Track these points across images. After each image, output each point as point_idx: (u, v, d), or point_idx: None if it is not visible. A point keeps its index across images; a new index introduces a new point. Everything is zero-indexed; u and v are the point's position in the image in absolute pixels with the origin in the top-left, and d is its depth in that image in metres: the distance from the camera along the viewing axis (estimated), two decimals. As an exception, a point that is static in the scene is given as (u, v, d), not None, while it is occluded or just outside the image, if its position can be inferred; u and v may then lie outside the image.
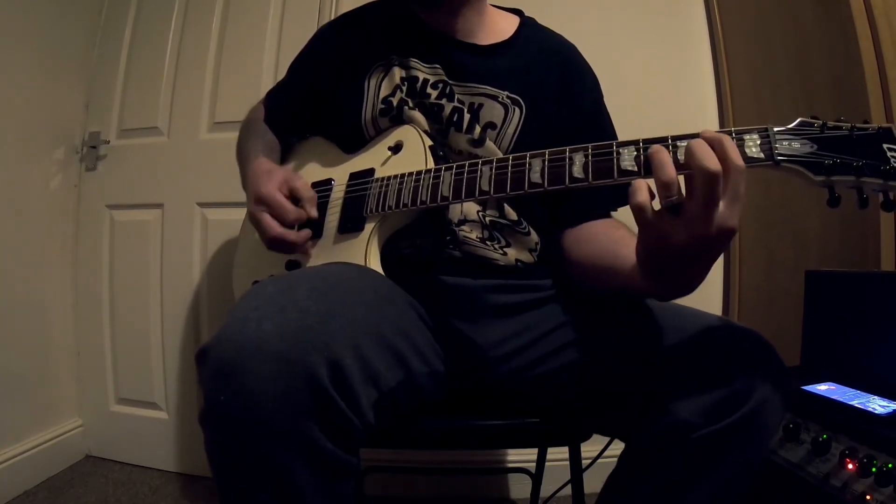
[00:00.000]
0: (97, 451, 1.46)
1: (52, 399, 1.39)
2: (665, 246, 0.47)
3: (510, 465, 1.29)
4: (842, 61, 1.00)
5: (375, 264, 0.67)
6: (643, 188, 0.46)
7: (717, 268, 1.38)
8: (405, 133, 0.73)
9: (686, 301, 0.63)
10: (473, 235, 0.73)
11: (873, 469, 0.62)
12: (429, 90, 0.75)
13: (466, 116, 0.74)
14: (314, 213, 0.71)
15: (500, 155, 0.73)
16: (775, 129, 0.48)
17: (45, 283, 1.39)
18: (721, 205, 0.44)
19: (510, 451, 1.29)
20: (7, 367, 1.26)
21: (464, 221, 0.73)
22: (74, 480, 1.32)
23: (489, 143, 0.74)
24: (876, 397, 0.72)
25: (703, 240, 0.45)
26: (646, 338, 0.59)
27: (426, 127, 0.74)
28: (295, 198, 0.71)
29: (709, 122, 1.40)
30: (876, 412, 0.67)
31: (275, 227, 0.68)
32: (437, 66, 0.76)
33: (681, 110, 1.40)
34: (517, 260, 0.75)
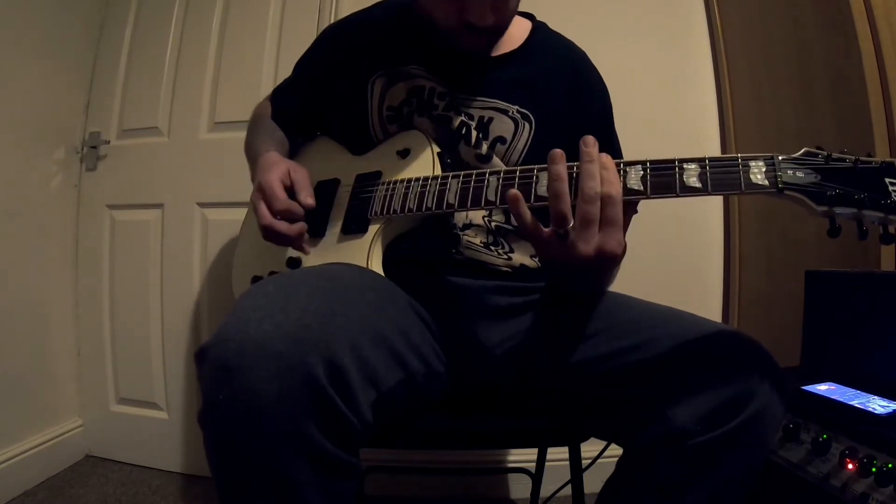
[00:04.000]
0: (97, 451, 1.46)
1: (52, 399, 1.39)
2: (554, 261, 0.54)
3: (510, 465, 1.29)
4: (842, 61, 1.00)
5: (377, 266, 0.67)
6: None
7: (717, 268, 1.38)
8: (414, 138, 0.73)
9: (686, 303, 0.63)
10: (477, 241, 0.73)
11: (873, 469, 0.62)
12: (435, 101, 0.75)
13: (474, 133, 0.74)
14: (309, 201, 0.69)
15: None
16: (780, 157, 0.49)
17: (45, 283, 1.39)
18: (597, 231, 0.51)
19: (510, 451, 1.29)
20: (7, 368, 1.25)
21: (469, 226, 0.73)
22: (74, 480, 1.32)
23: (496, 160, 0.74)
24: (876, 397, 0.72)
25: (585, 261, 0.52)
26: (643, 343, 0.59)
27: (434, 135, 0.74)
28: (292, 190, 0.70)
29: (708, 123, 1.40)
30: (876, 412, 0.67)
31: (267, 215, 0.67)
32: (446, 77, 0.76)
33: (680, 112, 1.40)
34: (521, 265, 0.75)
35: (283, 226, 0.67)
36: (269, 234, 0.68)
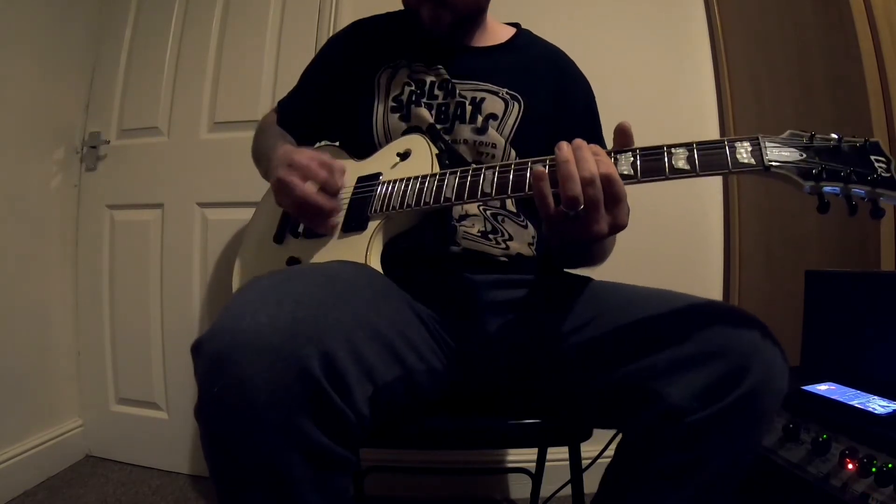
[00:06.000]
0: (97, 451, 1.46)
1: (52, 399, 1.39)
2: (571, 239, 0.56)
3: (510, 465, 1.29)
4: (842, 61, 1.00)
5: (376, 263, 0.68)
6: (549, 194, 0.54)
7: (717, 268, 1.38)
8: (414, 141, 0.75)
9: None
10: (475, 230, 0.74)
11: (873, 469, 0.62)
12: (435, 91, 0.79)
13: (469, 108, 0.78)
14: (341, 181, 0.71)
15: (503, 141, 0.77)
16: (766, 138, 0.50)
17: (45, 283, 1.39)
18: (607, 210, 0.52)
19: (510, 451, 1.29)
20: (7, 368, 1.26)
21: (465, 217, 0.74)
22: (74, 480, 1.32)
23: (492, 131, 0.77)
24: (876, 397, 0.72)
25: (602, 237, 0.54)
26: (636, 324, 0.58)
27: (430, 120, 0.77)
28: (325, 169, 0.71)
29: (708, 123, 1.40)
30: (876, 412, 0.67)
31: (302, 186, 0.68)
32: (440, 66, 0.80)
33: (680, 113, 1.40)
34: (518, 254, 0.76)
35: (321, 198, 0.68)
36: (306, 207, 0.68)
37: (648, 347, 0.56)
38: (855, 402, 0.71)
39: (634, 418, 0.56)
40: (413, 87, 0.80)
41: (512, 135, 0.78)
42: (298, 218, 0.73)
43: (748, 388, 0.50)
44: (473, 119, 0.77)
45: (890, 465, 0.60)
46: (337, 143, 0.91)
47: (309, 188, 0.67)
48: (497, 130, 0.77)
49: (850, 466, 0.65)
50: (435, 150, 0.72)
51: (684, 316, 0.56)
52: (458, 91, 0.78)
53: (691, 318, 0.56)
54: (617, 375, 0.58)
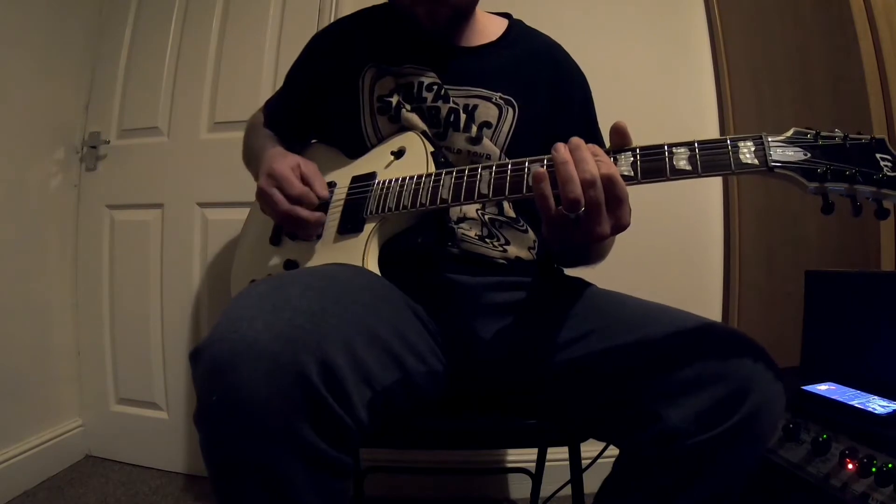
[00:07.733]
0: (97, 451, 1.46)
1: (52, 399, 1.39)
2: (572, 242, 0.55)
3: (510, 465, 1.29)
4: (842, 61, 1.00)
5: (373, 265, 0.68)
6: (550, 196, 0.53)
7: (717, 269, 1.38)
8: (408, 139, 0.74)
9: (686, 303, 0.63)
10: (472, 233, 0.73)
11: (873, 469, 0.62)
12: (424, 93, 0.77)
13: (463, 116, 0.75)
14: (323, 192, 0.72)
15: (497, 152, 0.75)
16: (769, 137, 0.49)
17: (45, 283, 1.39)
18: (610, 211, 0.51)
19: (510, 451, 1.29)
20: (7, 367, 1.26)
21: (463, 219, 0.74)
22: (74, 480, 1.32)
23: (486, 141, 0.75)
24: (876, 397, 0.72)
25: (604, 238, 0.52)
26: (636, 343, 0.58)
27: (423, 127, 0.75)
28: (305, 181, 0.72)
29: (708, 123, 1.40)
30: (876, 412, 0.67)
31: (284, 201, 0.69)
32: (430, 69, 0.78)
33: (679, 113, 1.40)
34: (516, 257, 0.75)
35: (304, 211, 0.69)
36: (289, 221, 0.70)
37: (649, 368, 0.55)
38: (855, 402, 0.71)
39: (633, 435, 0.56)
40: (401, 93, 0.77)
41: (507, 144, 0.76)
42: (283, 227, 0.75)
43: (747, 413, 0.50)
44: (468, 128, 0.75)
45: (890, 465, 0.60)
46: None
47: (290, 205, 0.69)
48: (491, 140, 0.75)
49: (850, 466, 0.65)
50: (430, 148, 0.72)
51: (685, 337, 0.56)
52: (450, 97, 0.76)
53: (692, 340, 0.56)
54: (615, 393, 0.58)
